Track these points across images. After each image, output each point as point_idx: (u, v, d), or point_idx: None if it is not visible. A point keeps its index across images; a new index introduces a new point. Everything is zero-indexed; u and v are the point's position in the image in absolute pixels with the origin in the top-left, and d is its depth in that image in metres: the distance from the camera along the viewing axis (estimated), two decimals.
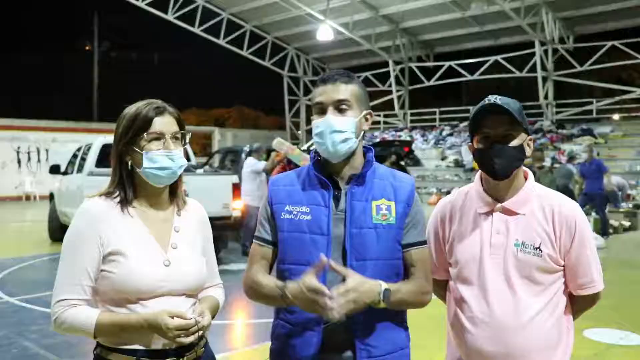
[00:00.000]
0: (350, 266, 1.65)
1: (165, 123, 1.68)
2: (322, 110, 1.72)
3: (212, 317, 1.72)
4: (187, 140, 1.76)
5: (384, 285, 1.61)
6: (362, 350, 1.65)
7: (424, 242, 1.75)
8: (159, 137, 1.67)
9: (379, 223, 1.68)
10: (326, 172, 1.75)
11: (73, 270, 1.62)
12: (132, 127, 1.66)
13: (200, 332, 1.61)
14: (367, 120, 1.77)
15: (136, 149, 1.66)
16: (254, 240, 1.82)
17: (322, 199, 1.71)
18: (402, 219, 1.71)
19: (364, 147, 1.81)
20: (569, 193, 12.73)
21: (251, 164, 8.98)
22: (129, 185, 1.70)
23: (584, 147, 12.91)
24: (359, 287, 1.56)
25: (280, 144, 7.99)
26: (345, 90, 1.71)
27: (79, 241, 1.63)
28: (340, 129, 1.68)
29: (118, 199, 1.69)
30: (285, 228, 1.72)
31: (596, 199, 11.31)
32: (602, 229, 11.25)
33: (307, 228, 1.69)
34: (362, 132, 1.75)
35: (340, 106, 1.70)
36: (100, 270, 1.62)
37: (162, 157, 1.66)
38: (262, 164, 8.86)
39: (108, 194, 1.70)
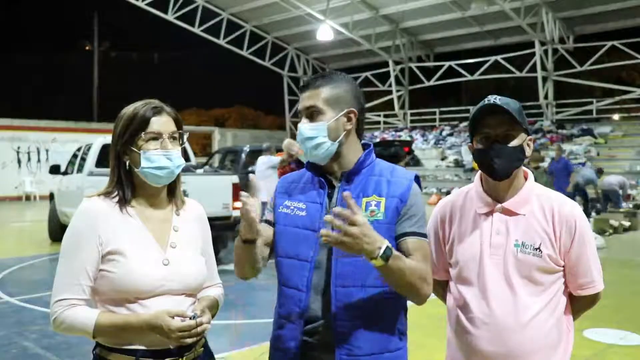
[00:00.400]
0: (336, 262, 1.66)
1: (162, 123, 1.69)
2: (300, 118, 1.77)
3: (212, 317, 1.72)
4: (185, 140, 1.76)
5: (387, 242, 1.52)
6: (343, 347, 1.64)
7: (421, 235, 1.69)
8: (157, 137, 1.67)
9: (367, 219, 1.67)
10: (321, 171, 1.79)
11: (72, 269, 1.62)
12: (129, 127, 1.67)
13: (200, 331, 1.60)
14: (349, 119, 1.75)
15: (134, 149, 1.67)
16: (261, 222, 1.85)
17: (318, 197, 1.75)
18: (394, 215, 1.68)
19: (364, 143, 1.80)
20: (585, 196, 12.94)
21: (266, 161, 8.99)
22: (127, 185, 1.70)
23: (555, 146, 13.12)
24: (364, 226, 1.48)
25: (291, 144, 8.00)
26: (315, 96, 1.73)
27: (77, 241, 1.63)
28: (310, 136, 1.71)
29: (117, 198, 1.69)
30: (281, 221, 1.77)
31: None
32: None
33: (300, 224, 1.73)
34: (345, 132, 1.73)
35: (310, 113, 1.74)
36: (99, 269, 1.63)
37: (160, 157, 1.66)
38: (277, 159, 8.84)
39: (107, 194, 1.70)
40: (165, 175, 1.69)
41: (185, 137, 1.76)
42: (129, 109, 1.70)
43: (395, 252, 1.54)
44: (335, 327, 1.65)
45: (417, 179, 1.77)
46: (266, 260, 1.80)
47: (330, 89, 1.74)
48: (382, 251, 1.50)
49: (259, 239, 1.69)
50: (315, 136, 1.71)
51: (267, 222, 1.83)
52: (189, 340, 1.58)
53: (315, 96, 1.73)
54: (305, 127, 1.73)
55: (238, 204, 1.68)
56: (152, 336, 1.59)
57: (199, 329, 1.59)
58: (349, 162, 1.75)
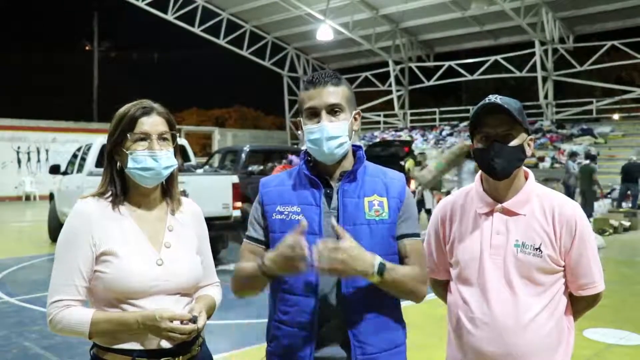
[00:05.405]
0: None
1: (151, 123, 1.67)
2: (315, 115, 1.71)
3: (209, 317, 1.72)
4: (177, 141, 1.74)
5: (379, 258, 1.59)
6: (357, 347, 1.65)
7: (417, 234, 1.75)
8: (145, 137, 1.66)
9: (372, 219, 1.69)
10: (317, 172, 1.76)
11: (66, 271, 1.62)
12: (119, 127, 1.67)
13: (191, 328, 1.59)
14: (356, 120, 1.77)
15: (123, 149, 1.66)
16: (244, 240, 1.82)
17: (313, 198, 1.71)
18: (396, 214, 1.72)
19: (353, 145, 1.81)
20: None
21: (467, 167, 9.76)
22: (119, 185, 1.70)
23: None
24: (351, 250, 1.54)
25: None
26: (337, 93, 1.70)
27: (72, 242, 1.63)
28: (336, 135, 1.68)
29: (110, 198, 1.69)
30: (277, 229, 1.72)
31: None
32: None
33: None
34: (353, 132, 1.76)
35: (334, 110, 1.70)
36: (93, 270, 1.62)
37: (145, 158, 1.65)
38: (473, 163, 9.46)
39: (100, 194, 1.70)
40: (151, 176, 1.67)
41: (177, 138, 1.75)
42: (121, 109, 1.70)
43: (388, 265, 1.60)
44: (348, 327, 1.66)
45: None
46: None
47: (347, 88, 1.75)
48: (376, 268, 1.57)
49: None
50: (340, 135, 1.69)
51: (254, 239, 1.77)
52: (183, 330, 1.57)
53: (338, 93, 1.71)
54: (331, 125, 1.68)
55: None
56: (148, 335, 1.59)
57: (189, 328, 1.58)
58: (348, 162, 1.76)
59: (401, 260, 1.72)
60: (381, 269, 1.58)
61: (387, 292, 1.66)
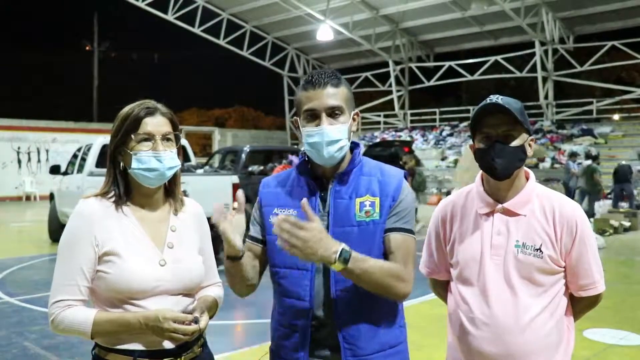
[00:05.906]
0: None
1: (155, 124, 1.67)
2: (314, 117, 1.67)
3: (211, 317, 1.73)
4: (180, 141, 1.74)
5: (345, 247, 1.52)
6: (347, 349, 1.64)
7: (408, 230, 1.69)
8: (149, 138, 1.66)
9: (363, 220, 1.66)
10: (313, 174, 1.74)
11: (69, 271, 1.61)
12: (122, 127, 1.67)
13: (193, 329, 1.60)
14: (354, 120, 1.74)
15: (127, 150, 1.66)
16: (245, 240, 1.80)
17: (309, 200, 1.68)
18: (388, 213, 1.68)
19: (352, 142, 1.77)
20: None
21: None
22: (122, 185, 1.70)
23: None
24: (315, 232, 1.48)
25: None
26: (337, 95, 1.66)
27: (74, 242, 1.63)
28: (337, 138, 1.65)
29: (113, 199, 1.69)
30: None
31: None
32: None
33: None
34: (352, 133, 1.73)
35: (334, 113, 1.66)
36: (96, 270, 1.62)
37: (149, 158, 1.65)
38: None
39: (103, 195, 1.70)
40: (155, 177, 1.67)
41: (180, 138, 1.75)
42: (125, 110, 1.70)
43: (355, 255, 1.54)
44: (339, 330, 1.65)
45: (404, 176, 1.76)
46: (260, 275, 1.76)
47: (346, 89, 1.70)
48: (338, 255, 1.50)
49: (244, 256, 1.65)
50: (341, 138, 1.66)
51: (252, 238, 1.77)
52: (185, 331, 1.57)
53: (337, 95, 1.66)
54: (331, 128, 1.64)
55: (235, 204, 1.65)
56: (149, 336, 1.59)
57: (191, 328, 1.58)
58: (344, 163, 1.73)
59: (386, 256, 1.66)
60: (345, 257, 1.51)
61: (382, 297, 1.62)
